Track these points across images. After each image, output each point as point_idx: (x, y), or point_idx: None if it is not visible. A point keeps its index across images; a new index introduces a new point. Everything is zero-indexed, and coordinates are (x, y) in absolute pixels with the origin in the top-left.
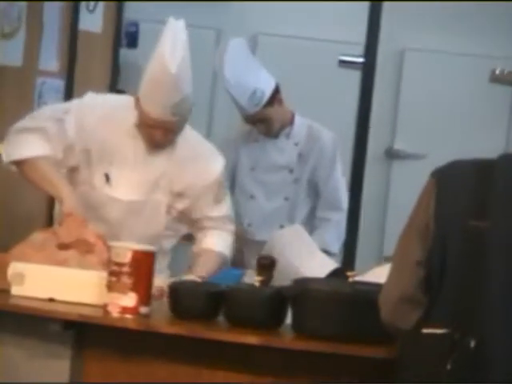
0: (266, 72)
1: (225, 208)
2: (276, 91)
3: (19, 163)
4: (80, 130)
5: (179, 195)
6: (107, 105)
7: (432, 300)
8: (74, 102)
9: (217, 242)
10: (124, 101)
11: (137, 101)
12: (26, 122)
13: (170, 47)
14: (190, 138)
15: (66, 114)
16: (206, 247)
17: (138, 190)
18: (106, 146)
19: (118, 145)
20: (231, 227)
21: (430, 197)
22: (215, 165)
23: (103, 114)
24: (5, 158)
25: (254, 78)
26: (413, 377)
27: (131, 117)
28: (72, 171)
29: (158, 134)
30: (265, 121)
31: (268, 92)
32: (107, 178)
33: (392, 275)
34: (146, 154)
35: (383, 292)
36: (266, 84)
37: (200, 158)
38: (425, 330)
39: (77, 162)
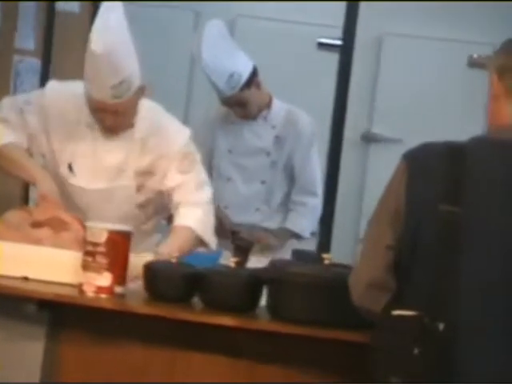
0: (244, 54)
1: (192, 179)
2: (254, 74)
3: None
4: (41, 121)
5: (147, 173)
6: (67, 94)
7: (402, 284)
8: (35, 93)
9: (184, 216)
10: (82, 89)
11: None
12: None
13: (101, 29)
14: (148, 115)
15: (27, 104)
16: (175, 224)
17: (102, 177)
18: (66, 136)
19: (77, 134)
20: (202, 197)
21: (401, 180)
22: (177, 136)
23: (63, 103)
24: None
25: (231, 60)
26: (384, 359)
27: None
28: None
29: (108, 118)
30: (242, 104)
31: (245, 75)
32: (70, 168)
33: (362, 259)
34: (104, 141)
35: (353, 275)
36: (243, 67)
37: (160, 133)
38: (394, 312)
39: (42, 151)
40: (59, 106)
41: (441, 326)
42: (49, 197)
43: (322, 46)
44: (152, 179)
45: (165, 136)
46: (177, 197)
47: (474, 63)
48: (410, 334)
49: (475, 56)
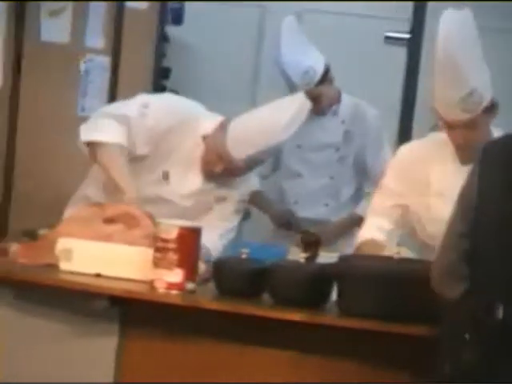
0: (317, 50)
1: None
2: (327, 70)
3: (93, 144)
4: (154, 127)
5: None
6: (183, 111)
7: (475, 271)
8: (154, 98)
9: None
10: (197, 113)
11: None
12: (111, 108)
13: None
14: None
15: (146, 108)
16: None
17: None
18: (172, 149)
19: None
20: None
21: (475, 170)
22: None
23: (178, 119)
24: (82, 137)
25: (306, 56)
26: (441, 348)
27: (200, 130)
28: (136, 160)
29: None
30: (315, 99)
31: (320, 70)
32: (166, 176)
33: (440, 246)
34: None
35: (434, 262)
36: (317, 62)
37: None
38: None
39: (145, 153)
40: (173, 119)
41: (500, 313)
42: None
43: (389, 39)
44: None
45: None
46: None
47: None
48: (463, 320)
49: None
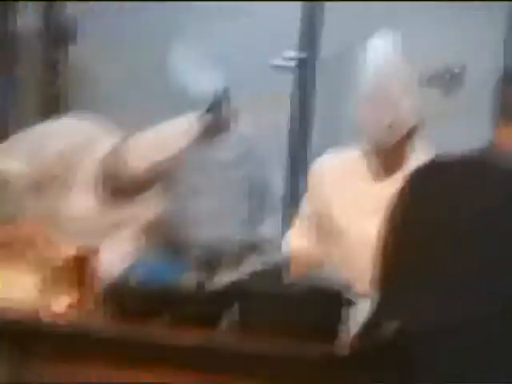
0: (216, 71)
1: None
2: (226, 88)
3: None
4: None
5: None
6: (77, 135)
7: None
8: (52, 127)
9: None
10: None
11: None
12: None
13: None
14: None
15: (46, 137)
16: None
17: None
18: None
19: None
20: None
21: (402, 198)
22: None
23: (72, 143)
24: None
25: (204, 74)
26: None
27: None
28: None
29: None
30: (216, 122)
31: (221, 91)
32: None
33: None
34: None
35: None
36: (218, 83)
37: None
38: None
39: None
40: None
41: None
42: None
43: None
44: None
45: None
46: None
47: None
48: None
49: None
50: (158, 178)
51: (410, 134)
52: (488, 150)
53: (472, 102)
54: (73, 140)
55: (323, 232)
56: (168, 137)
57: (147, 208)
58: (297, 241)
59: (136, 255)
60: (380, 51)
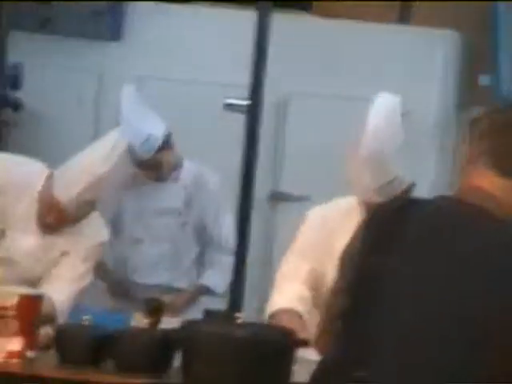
0: (157, 117)
1: None
2: (167, 136)
3: None
4: None
5: None
6: (14, 170)
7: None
8: None
9: None
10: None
11: None
12: None
13: None
14: None
15: None
16: None
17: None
18: (7, 208)
19: None
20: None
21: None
22: None
23: (7, 178)
24: None
25: (145, 124)
26: None
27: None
28: None
29: None
30: (156, 166)
31: (159, 137)
32: (1, 236)
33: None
34: None
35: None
36: (157, 129)
37: None
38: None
39: None
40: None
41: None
42: None
43: (228, 106)
44: None
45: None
46: None
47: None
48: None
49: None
50: (88, 204)
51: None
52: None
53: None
54: (11, 175)
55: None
56: (92, 161)
57: (87, 236)
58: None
59: (81, 281)
60: (381, 114)
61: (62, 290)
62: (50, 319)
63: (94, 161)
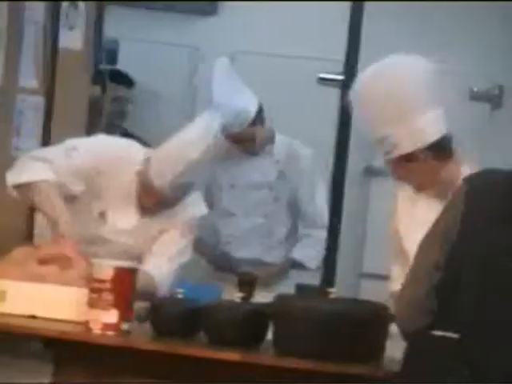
0: (250, 91)
1: None
2: (260, 110)
3: (21, 187)
4: (81, 168)
5: None
6: (112, 151)
7: (444, 306)
8: (81, 141)
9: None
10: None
11: None
12: (34, 152)
13: None
14: None
15: (72, 150)
16: None
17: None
18: (107, 188)
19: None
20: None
21: (458, 206)
22: None
23: (107, 159)
24: (8, 182)
25: (239, 97)
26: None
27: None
28: (71, 202)
29: None
30: (248, 140)
31: (252, 111)
32: (102, 215)
33: (409, 278)
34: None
35: (400, 294)
36: (250, 104)
37: None
38: (436, 332)
39: (76, 192)
40: (99, 160)
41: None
42: (66, 237)
43: (322, 80)
44: None
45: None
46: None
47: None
48: (458, 356)
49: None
50: (184, 187)
51: (429, 150)
52: None
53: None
54: (110, 156)
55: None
56: (185, 145)
57: (185, 211)
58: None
59: (181, 256)
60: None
61: (161, 265)
62: (151, 295)
63: (187, 145)
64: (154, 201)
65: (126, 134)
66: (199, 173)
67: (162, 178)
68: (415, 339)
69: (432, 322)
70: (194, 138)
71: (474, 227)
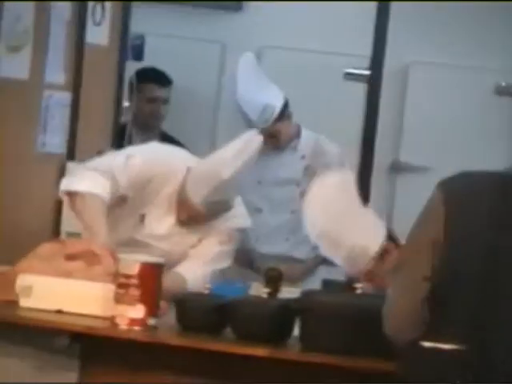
0: (276, 87)
1: None
2: (285, 106)
3: (72, 194)
4: (138, 176)
5: None
6: (167, 161)
7: (437, 315)
8: (140, 149)
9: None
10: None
11: None
12: (95, 161)
13: None
14: None
15: (131, 158)
16: None
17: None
18: (153, 194)
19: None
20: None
21: (439, 211)
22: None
23: (161, 168)
24: (61, 187)
25: (264, 93)
26: None
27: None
28: (118, 205)
29: None
30: (274, 135)
31: (278, 107)
32: (142, 218)
33: (397, 289)
34: None
35: (386, 305)
36: (276, 99)
37: None
38: (428, 345)
39: (127, 194)
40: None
41: (476, 362)
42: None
43: (349, 75)
44: None
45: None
46: None
47: (501, 91)
48: (452, 366)
49: (503, 84)
50: (219, 204)
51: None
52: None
53: None
54: (164, 165)
55: None
56: (221, 163)
57: (226, 220)
58: None
59: (217, 262)
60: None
61: (196, 269)
62: None
63: (221, 164)
64: (188, 215)
65: (165, 137)
66: (233, 191)
67: (195, 195)
68: (407, 351)
69: (424, 334)
70: (229, 157)
71: (467, 230)
